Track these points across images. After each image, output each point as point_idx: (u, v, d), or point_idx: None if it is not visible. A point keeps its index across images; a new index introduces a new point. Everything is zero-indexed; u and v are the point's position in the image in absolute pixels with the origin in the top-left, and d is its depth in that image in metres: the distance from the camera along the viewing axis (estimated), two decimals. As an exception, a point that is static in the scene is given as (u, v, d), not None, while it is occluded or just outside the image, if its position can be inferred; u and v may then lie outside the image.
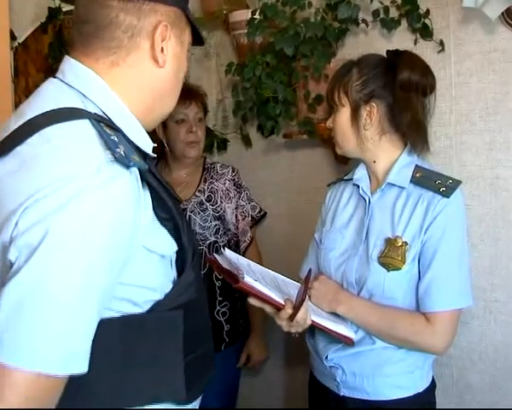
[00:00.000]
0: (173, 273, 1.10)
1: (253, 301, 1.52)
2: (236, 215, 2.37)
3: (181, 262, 1.11)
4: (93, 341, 0.90)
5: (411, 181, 1.60)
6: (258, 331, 2.44)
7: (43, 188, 0.86)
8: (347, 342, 1.59)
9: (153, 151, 1.15)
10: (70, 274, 0.86)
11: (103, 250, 0.90)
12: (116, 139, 0.97)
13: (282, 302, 1.49)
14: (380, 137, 1.64)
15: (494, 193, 1.90)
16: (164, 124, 2.27)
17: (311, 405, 1.83)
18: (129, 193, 0.94)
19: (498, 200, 1.89)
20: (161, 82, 1.13)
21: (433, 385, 1.68)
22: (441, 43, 1.95)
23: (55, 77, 1.09)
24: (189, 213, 2.27)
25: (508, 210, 1.87)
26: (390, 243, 1.58)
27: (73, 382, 0.89)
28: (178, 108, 2.19)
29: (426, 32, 1.97)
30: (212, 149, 2.76)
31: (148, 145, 1.13)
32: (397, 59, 1.63)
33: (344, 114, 1.66)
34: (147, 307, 1.03)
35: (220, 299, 2.31)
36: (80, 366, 0.88)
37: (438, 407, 1.70)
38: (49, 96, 1.04)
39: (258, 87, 2.15)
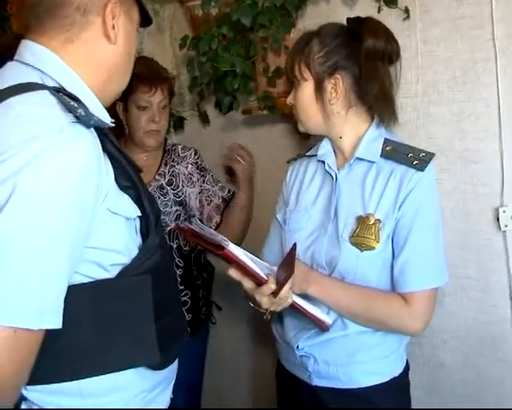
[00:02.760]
0: (138, 239, 1.15)
1: (233, 272, 1.44)
2: (201, 200, 2.25)
3: (145, 228, 1.15)
4: (65, 307, 0.95)
5: (382, 155, 1.53)
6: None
7: (8, 149, 0.92)
8: (322, 328, 1.51)
9: (112, 131, 1.18)
10: (39, 227, 0.91)
11: (70, 203, 0.95)
12: (76, 105, 1.01)
13: (265, 277, 1.42)
14: (346, 110, 1.56)
15: (464, 166, 1.83)
16: (125, 106, 2.16)
17: (279, 396, 1.76)
18: (92, 151, 1.00)
19: (468, 173, 1.83)
20: (114, 58, 1.17)
21: (407, 367, 1.63)
22: (406, 11, 1.86)
23: (12, 60, 1.13)
24: None
25: (478, 183, 1.81)
26: (362, 221, 1.50)
27: (49, 346, 0.96)
28: (142, 95, 2.11)
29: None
30: (169, 128, 2.63)
31: (106, 117, 1.15)
32: (360, 27, 1.55)
33: (306, 88, 1.57)
34: (115, 271, 1.08)
35: (181, 288, 2.21)
36: (54, 321, 0.93)
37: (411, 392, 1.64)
38: (9, 75, 1.08)
39: (215, 61, 2.02)
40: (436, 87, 1.86)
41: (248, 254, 1.51)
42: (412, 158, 1.49)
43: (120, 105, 2.17)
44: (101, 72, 1.16)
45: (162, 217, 2.12)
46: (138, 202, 1.13)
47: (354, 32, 1.54)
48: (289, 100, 1.63)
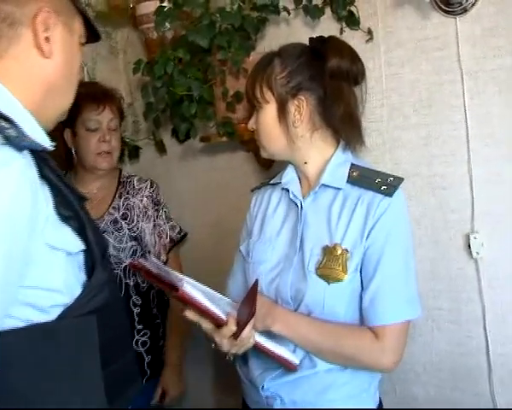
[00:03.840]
0: (82, 276, 1.04)
1: (189, 314, 1.34)
2: (155, 236, 2.13)
3: (90, 264, 1.05)
4: (1, 355, 0.89)
5: (348, 181, 1.45)
6: (174, 362, 2.19)
7: None
8: (290, 368, 1.40)
9: (60, 161, 1.06)
10: None
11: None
12: (6, 125, 0.92)
13: (224, 318, 1.32)
14: (311, 133, 1.48)
15: (432, 192, 1.78)
16: (73, 131, 2.04)
17: (245, 437, 1.63)
18: (24, 178, 0.91)
19: (436, 199, 1.77)
20: (51, 74, 1.07)
21: (380, 406, 1.53)
22: (369, 32, 1.82)
23: None
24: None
25: (447, 209, 1.75)
26: (328, 251, 1.41)
27: None
28: (90, 114, 2.00)
29: (352, 21, 1.83)
30: (123, 157, 2.51)
31: (43, 139, 1.04)
32: (323, 46, 1.48)
33: (269, 111, 1.48)
34: (55, 313, 0.97)
35: (139, 327, 2.09)
36: None
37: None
38: None
39: (171, 85, 1.91)
40: (402, 111, 1.80)
41: (209, 290, 1.42)
42: (380, 183, 1.41)
43: (68, 132, 2.05)
44: (37, 89, 1.06)
45: (116, 253, 2.02)
46: (82, 233, 1.03)
47: (317, 51, 1.47)
48: (250, 125, 1.54)
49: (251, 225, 1.66)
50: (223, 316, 1.31)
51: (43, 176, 0.97)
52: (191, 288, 1.26)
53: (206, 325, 1.35)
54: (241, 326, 1.30)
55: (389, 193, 1.39)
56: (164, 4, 1.89)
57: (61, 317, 0.98)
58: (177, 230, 2.21)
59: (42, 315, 0.96)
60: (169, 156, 2.47)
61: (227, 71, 1.87)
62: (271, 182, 1.65)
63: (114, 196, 2.12)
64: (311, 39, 1.53)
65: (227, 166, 2.26)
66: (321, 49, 1.46)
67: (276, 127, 1.48)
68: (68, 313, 0.98)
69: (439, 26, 1.70)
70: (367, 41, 1.82)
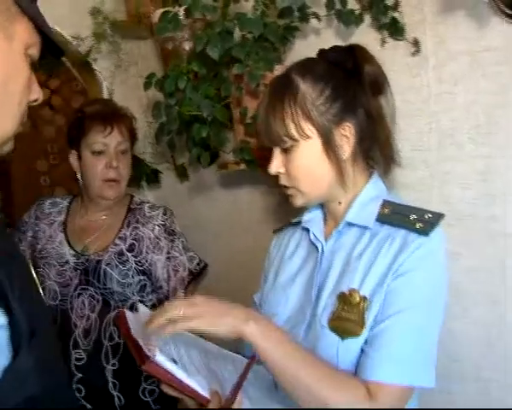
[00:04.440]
0: (2, 359, 0.81)
1: (166, 389, 1.08)
2: (168, 270, 1.90)
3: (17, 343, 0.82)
4: None
5: (377, 219, 1.20)
6: None
7: None
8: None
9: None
10: None
11: None
12: None
13: (207, 396, 1.04)
14: (352, 165, 1.24)
15: (490, 238, 1.44)
16: (79, 154, 1.87)
17: None
18: None
19: (497, 247, 1.43)
20: None
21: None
22: (416, 43, 1.51)
23: None
24: (104, 267, 1.83)
25: (509, 262, 1.41)
26: (344, 299, 1.15)
27: None
28: (96, 136, 1.83)
29: (395, 29, 1.54)
30: (141, 182, 2.27)
31: None
32: (347, 55, 1.24)
33: (311, 149, 1.20)
34: None
35: (146, 374, 1.81)
36: None
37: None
38: None
39: (181, 104, 1.64)
40: (454, 138, 1.48)
41: (207, 348, 1.20)
42: (415, 220, 1.15)
43: (74, 154, 1.90)
44: None
45: (121, 290, 1.82)
46: (2, 300, 0.81)
47: (340, 63, 1.23)
48: (275, 169, 1.25)
49: (267, 271, 1.43)
50: (205, 393, 1.04)
51: None
52: (163, 358, 1.00)
53: (188, 401, 1.09)
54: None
55: (425, 231, 1.12)
56: (169, 9, 1.62)
57: None
58: (196, 261, 1.97)
59: None
60: (191, 182, 2.22)
61: (244, 88, 1.58)
62: (293, 221, 1.40)
63: (122, 225, 1.92)
64: (323, 51, 1.29)
65: (249, 198, 2.00)
66: (345, 59, 1.23)
67: (321, 165, 1.21)
68: None
69: (500, 34, 1.38)
70: (413, 54, 1.52)
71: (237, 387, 1.04)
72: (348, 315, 1.13)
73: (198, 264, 1.97)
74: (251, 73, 1.51)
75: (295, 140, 1.19)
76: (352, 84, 1.22)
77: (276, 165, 1.24)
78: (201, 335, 1.15)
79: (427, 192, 1.52)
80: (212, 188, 2.14)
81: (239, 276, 2.04)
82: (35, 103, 0.98)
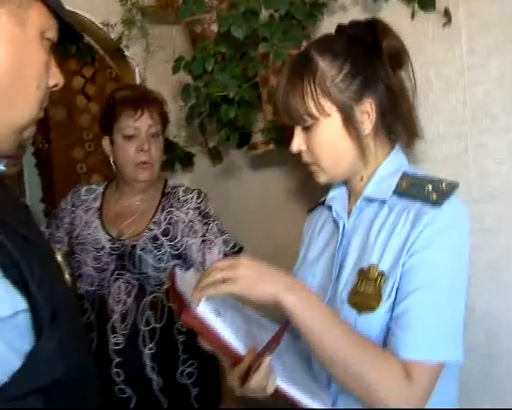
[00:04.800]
0: (25, 344, 0.82)
1: (203, 342, 1.09)
2: (204, 253, 1.89)
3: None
4: None
5: (395, 192, 1.19)
6: (230, 396, 1.92)
7: None
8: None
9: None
10: None
11: None
12: None
13: (242, 353, 1.04)
14: (374, 141, 1.23)
15: (528, 215, 1.39)
16: (111, 139, 1.89)
17: None
18: None
19: (534, 224, 1.38)
20: None
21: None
22: (447, 14, 1.45)
23: None
24: (138, 252, 1.84)
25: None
26: (363, 274, 1.15)
27: None
28: (127, 120, 1.85)
29: (426, 1, 1.47)
30: (174, 166, 2.28)
31: None
32: (366, 30, 1.23)
33: (331, 126, 1.20)
34: None
35: (184, 357, 1.88)
36: None
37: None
38: None
39: (209, 86, 1.64)
40: (488, 110, 1.42)
41: (250, 315, 1.20)
42: (430, 192, 1.13)
43: (106, 140, 1.92)
44: None
45: (156, 274, 1.84)
46: (23, 285, 0.82)
47: (360, 38, 1.21)
48: (297, 147, 1.25)
49: (300, 249, 1.45)
50: (240, 349, 1.03)
51: None
52: (206, 309, 1.00)
53: (223, 359, 1.12)
54: (246, 372, 1.02)
55: (438, 202, 1.10)
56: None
57: None
58: (231, 244, 1.96)
59: None
60: (225, 165, 2.22)
61: (270, 67, 1.56)
62: (321, 200, 1.40)
63: (156, 210, 1.93)
64: (341, 26, 1.26)
65: (281, 178, 1.98)
66: (366, 34, 1.21)
67: (342, 142, 1.21)
68: (4, 393, 0.77)
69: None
70: (444, 25, 1.46)
71: (266, 348, 1.03)
72: (366, 290, 1.13)
73: (233, 246, 1.96)
74: (277, 51, 1.50)
75: (315, 118, 1.18)
76: (372, 59, 1.21)
77: (297, 143, 1.24)
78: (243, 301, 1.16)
79: (463, 167, 1.47)
80: (243, 170, 2.13)
81: (273, 257, 2.03)
82: (55, 88, 0.99)
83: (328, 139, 1.21)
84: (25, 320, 0.83)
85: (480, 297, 1.42)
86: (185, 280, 1.20)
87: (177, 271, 1.24)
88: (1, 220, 0.84)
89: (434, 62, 1.48)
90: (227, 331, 1.03)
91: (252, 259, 1.09)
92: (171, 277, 1.21)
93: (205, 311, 1.00)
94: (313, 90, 1.17)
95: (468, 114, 1.46)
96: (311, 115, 1.18)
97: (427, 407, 1.07)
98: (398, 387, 1.04)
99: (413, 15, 1.52)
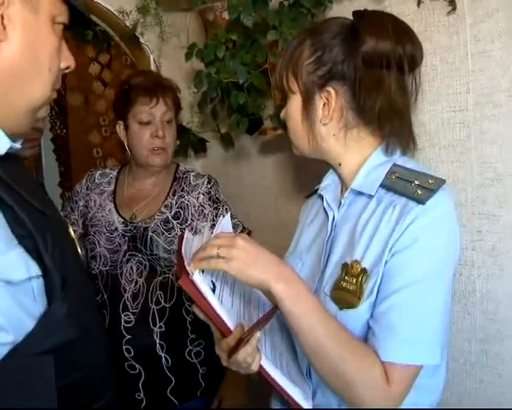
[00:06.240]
0: (38, 307, 0.88)
1: (197, 310, 1.11)
2: None
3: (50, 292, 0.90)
4: None
5: (382, 185, 1.18)
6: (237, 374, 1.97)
7: None
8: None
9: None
10: None
11: None
12: None
13: (231, 327, 1.07)
14: (345, 132, 1.23)
15: (529, 198, 1.41)
16: (126, 124, 1.94)
17: None
18: None
19: (535, 208, 1.40)
20: (8, 59, 0.92)
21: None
22: (451, 1, 1.46)
23: None
24: (150, 234, 1.90)
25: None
26: (346, 269, 1.15)
27: None
28: (142, 107, 1.90)
29: (431, -12, 1.49)
30: (188, 151, 2.33)
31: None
32: (359, 23, 1.20)
33: (294, 103, 1.26)
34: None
35: (192, 337, 1.95)
36: None
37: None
38: None
39: (220, 72, 1.68)
40: (491, 97, 1.44)
41: (248, 291, 1.22)
42: (416, 187, 1.13)
43: (121, 125, 1.98)
44: None
45: (167, 255, 1.88)
46: (36, 254, 0.88)
47: (354, 30, 1.19)
48: (282, 114, 1.32)
49: (295, 234, 1.46)
50: (230, 323, 1.07)
51: None
52: (200, 278, 1.04)
53: (213, 329, 1.14)
54: (235, 345, 1.05)
55: (421, 199, 1.10)
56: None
57: (8, 357, 0.82)
58: (240, 229, 2.02)
59: None
60: (236, 150, 2.26)
61: (278, 54, 1.60)
62: (316, 187, 1.40)
63: (168, 194, 1.99)
64: (354, 13, 1.24)
65: (289, 163, 2.02)
66: (357, 27, 1.19)
67: (299, 121, 1.25)
68: (18, 351, 0.83)
69: (539, -12, 1.33)
70: (448, 13, 1.48)
71: (256, 325, 1.07)
72: (347, 286, 1.13)
73: (242, 231, 2.01)
74: (285, 39, 1.54)
75: (286, 93, 1.27)
76: (348, 50, 1.19)
77: (283, 112, 1.32)
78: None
79: (466, 153, 1.49)
80: (254, 154, 2.17)
81: (283, 240, 2.06)
82: (67, 70, 1.04)
83: (290, 114, 1.27)
84: (38, 285, 0.88)
85: (480, 280, 1.46)
86: (192, 244, 1.22)
87: (187, 234, 1.27)
88: (17, 193, 0.89)
89: (439, 49, 1.50)
90: (219, 305, 1.06)
91: (249, 241, 1.10)
92: (180, 239, 1.24)
93: (199, 280, 1.04)
94: (289, 66, 1.24)
95: (471, 100, 1.48)
96: (284, 89, 1.27)
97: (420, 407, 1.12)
98: (377, 387, 1.06)
99: (419, 3, 1.54)
